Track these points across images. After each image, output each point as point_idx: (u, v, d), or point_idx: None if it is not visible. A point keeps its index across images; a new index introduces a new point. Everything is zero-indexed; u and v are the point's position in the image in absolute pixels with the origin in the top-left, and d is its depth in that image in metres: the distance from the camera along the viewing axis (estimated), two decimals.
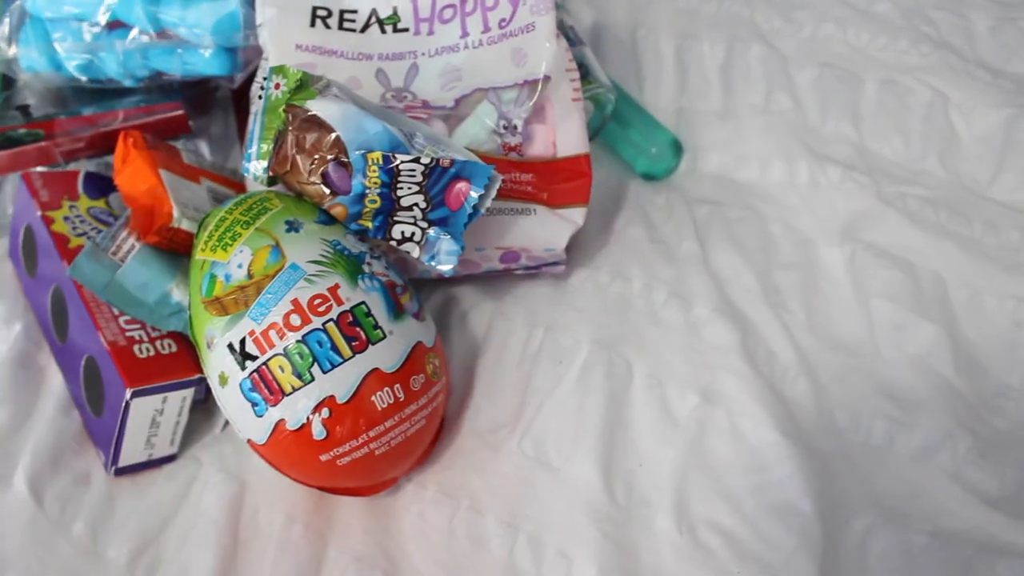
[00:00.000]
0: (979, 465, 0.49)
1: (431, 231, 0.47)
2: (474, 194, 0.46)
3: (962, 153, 0.62)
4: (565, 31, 0.59)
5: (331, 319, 0.44)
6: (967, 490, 0.48)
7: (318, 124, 0.46)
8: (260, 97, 0.50)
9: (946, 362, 0.53)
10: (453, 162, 0.46)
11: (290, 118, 0.47)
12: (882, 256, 0.57)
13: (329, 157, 0.46)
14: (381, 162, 0.46)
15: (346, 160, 0.46)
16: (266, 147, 0.48)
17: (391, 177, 0.46)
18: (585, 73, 0.61)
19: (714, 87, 0.68)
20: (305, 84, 0.48)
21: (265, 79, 0.49)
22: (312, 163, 0.47)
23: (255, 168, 0.49)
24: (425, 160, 0.46)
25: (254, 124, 0.50)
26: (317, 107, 0.47)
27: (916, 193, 0.60)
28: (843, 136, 0.64)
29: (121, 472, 0.51)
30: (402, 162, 0.46)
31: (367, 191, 0.46)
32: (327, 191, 0.47)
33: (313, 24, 0.55)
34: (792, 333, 0.55)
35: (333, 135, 0.46)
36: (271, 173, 0.48)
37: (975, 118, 0.62)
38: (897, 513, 0.48)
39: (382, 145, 0.46)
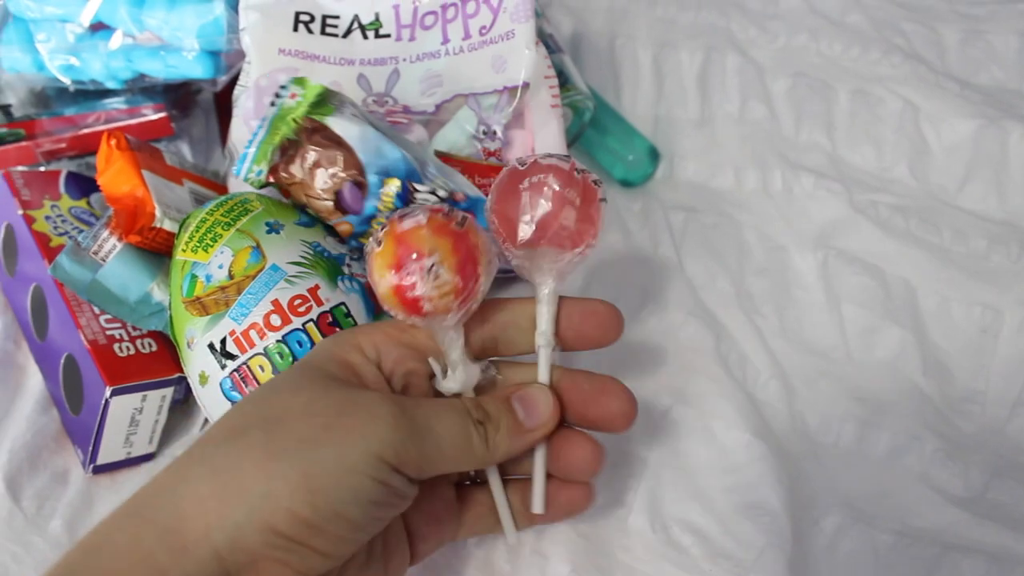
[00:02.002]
0: (945, 466, 0.50)
1: None
2: None
3: (932, 162, 0.63)
4: (544, 39, 0.60)
5: (311, 319, 0.45)
6: (934, 490, 0.49)
7: (336, 142, 0.47)
8: (272, 103, 0.50)
9: (914, 366, 0.54)
10: (466, 197, 0.47)
11: (307, 131, 0.47)
12: (853, 263, 0.58)
13: (344, 176, 0.47)
14: (399, 189, 0.46)
15: (363, 181, 0.47)
16: (266, 152, 0.49)
17: (404, 204, 0.46)
18: (564, 81, 0.62)
19: (691, 96, 0.69)
20: (324, 99, 0.48)
21: (282, 87, 0.49)
22: (327, 180, 0.47)
23: (250, 171, 0.49)
24: (441, 193, 0.47)
25: (259, 128, 0.49)
26: (336, 125, 0.47)
27: (887, 201, 0.61)
28: (816, 145, 0.65)
29: (99, 470, 0.51)
30: (419, 191, 0.47)
31: (378, 214, 0.47)
32: (336, 209, 0.47)
33: (296, 29, 0.56)
34: (765, 337, 0.56)
35: (351, 155, 0.47)
36: (270, 179, 0.49)
37: (944, 128, 0.64)
38: (866, 513, 0.49)
39: (400, 172, 0.47)
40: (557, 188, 0.39)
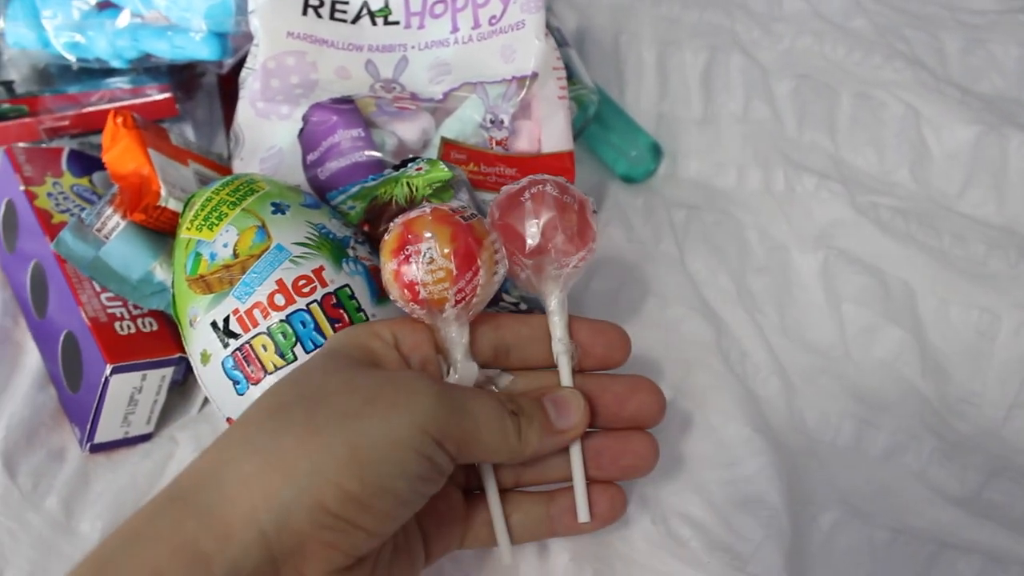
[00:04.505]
0: (943, 466, 0.50)
1: None
2: None
3: (932, 167, 0.64)
4: (552, 31, 0.60)
5: (315, 300, 0.45)
6: (931, 489, 0.50)
7: None
8: (396, 168, 0.50)
9: (913, 367, 0.54)
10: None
11: None
12: (854, 263, 0.58)
13: None
14: None
15: None
16: (367, 195, 0.50)
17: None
18: (569, 75, 0.62)
19: (694, 94, 0.69)
20: (448, 188, 0.48)
21: (414, 159, 0.49)
22: None
23: (344, 202, 0.51)
24: (524, 307, 0.49)
25: (366, 179, 0.50)
26: None
27: (888, 203, 0.61)
28: (819, 146, 0.65)
29: (96, 449, 0.51)
30: (504, 301, 0.49)
31: None
32: None
33: (305, 13, 0.55)
34: (765, 334, 0.56)
35: None
36: (364, 227, 0.50)
37: (945, 134, 0.64)
38: (863, 510, 0.49)
39: None
40: (556, 195, 0.41)
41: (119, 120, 0.52)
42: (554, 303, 0.42)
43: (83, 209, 0.54)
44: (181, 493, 0.33)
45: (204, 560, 0.31)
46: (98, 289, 0.51)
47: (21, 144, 0.58)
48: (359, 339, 0.39)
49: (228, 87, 0.62)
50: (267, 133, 0.55)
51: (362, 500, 0.33)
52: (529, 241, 0.41)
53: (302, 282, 0.45)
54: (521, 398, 0.40)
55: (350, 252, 0.47)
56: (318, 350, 0.41)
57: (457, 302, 0.39)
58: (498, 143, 0.54)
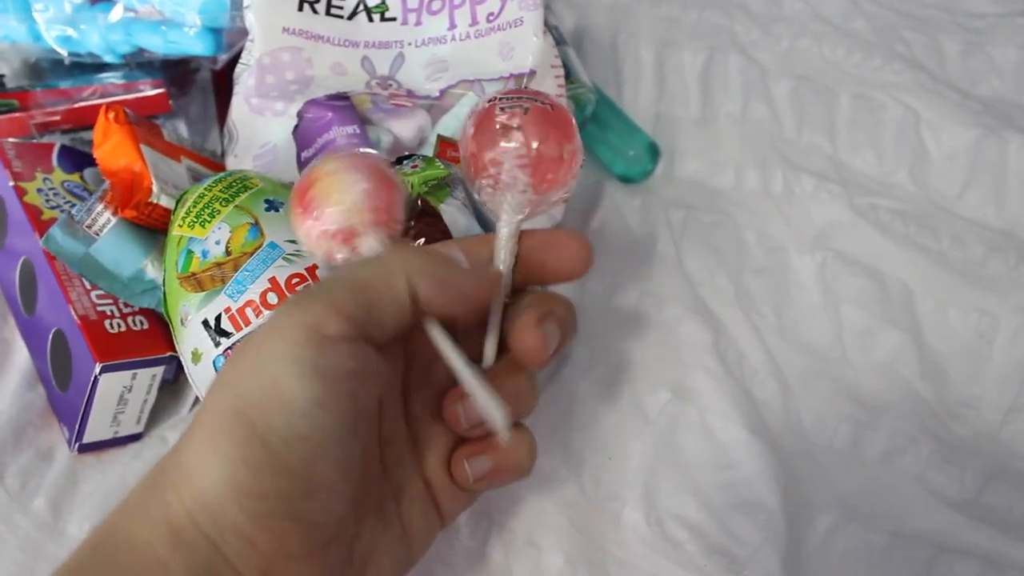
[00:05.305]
0: (941, 469, 0.50)
1: None
2: None
3: (931, 169, 0.63)
4: (550, 30, 0.60)
5: None
6: (929, 492, 0.49)
7: (441, 230, 0.45)
8: (392, 164, 0.49)
9: (912, 369, 0.54)
10: None
11: (418, 211, 0.46)
12: (852, 265, 0.58)
13: None
14: None
15: None
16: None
17: None
18: (567, 73, 0.61)
19: (693, 94, 0.69)
20: (444, 185, 0.47)
21: (410, 157, 0.48)
22: None
23: None
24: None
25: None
26: (447, 214, 0.46)
27: (887, 205, 0.61)
28: (818, 147, 0.65)
29: (85, 449, 0.50)
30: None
31: None
32: None
33: (301, 8, 0.55)
34: (762, 336, 0.55)
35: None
36: None
37: (944, 136, 0.64)
38: (860, 513, 0.49)
39: None
40: (535, 118, 0.37)
41: (111, 115, 0.51)
42: (504, 231, 0.38)
43: (73, 205, 0.54)
44: (134, 506, 0.33)
45: (163, 567, 0.30)
46: (88, 287, 0.50)
47: (11, 139, 0.57)
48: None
49: (222, 83, 0.62)
50: (261, 130, 0.54)
51: (273, 464, 0.30)
52: (489, 157, 0.37)
53: (295, 280, 0.45)
54: None
55: None
56: None
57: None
58: None
